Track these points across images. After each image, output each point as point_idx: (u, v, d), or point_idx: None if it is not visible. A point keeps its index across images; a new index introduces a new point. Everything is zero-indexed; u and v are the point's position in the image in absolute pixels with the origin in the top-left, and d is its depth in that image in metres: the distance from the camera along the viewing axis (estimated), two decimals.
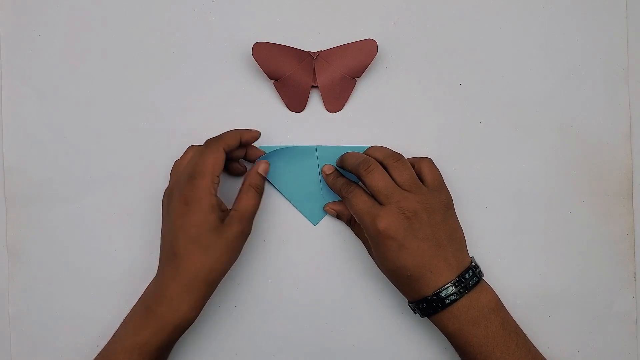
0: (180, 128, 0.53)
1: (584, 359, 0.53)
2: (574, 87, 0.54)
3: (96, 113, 0.53)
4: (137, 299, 0.47)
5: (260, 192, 0.49)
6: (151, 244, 0.50)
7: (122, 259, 0.52)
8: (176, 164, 0.50)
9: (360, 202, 0.47)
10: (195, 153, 0.48)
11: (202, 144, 0.48)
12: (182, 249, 0.45)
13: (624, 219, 0.54)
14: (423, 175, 0.49)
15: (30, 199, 0.53)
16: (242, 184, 0.49)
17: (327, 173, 0.52)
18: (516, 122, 0.54)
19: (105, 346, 0.47)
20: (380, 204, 0.47)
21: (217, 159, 0.46)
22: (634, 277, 0.54)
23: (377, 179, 0.47)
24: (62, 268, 0.53)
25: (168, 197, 0.47)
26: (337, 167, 0.52)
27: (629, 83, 0.54)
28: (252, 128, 0.50)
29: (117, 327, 0.47)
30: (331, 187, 0.52)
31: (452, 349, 0.48)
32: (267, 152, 0.52)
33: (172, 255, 0.45)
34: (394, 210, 0.46)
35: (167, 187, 0.48)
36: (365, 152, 0.51)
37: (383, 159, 0.49)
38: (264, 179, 0.50)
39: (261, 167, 0.49)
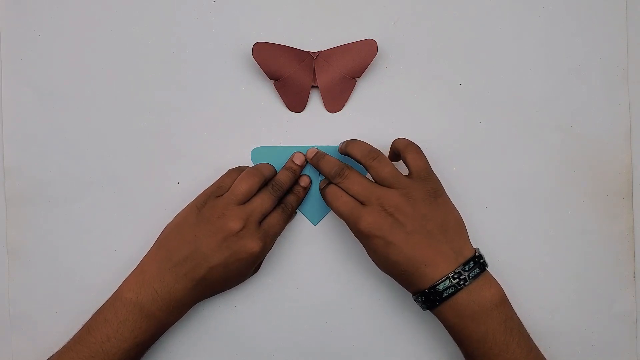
0: (180, 128, 0.53)
1: (584, 359, 0.53)
2: (574, 87, 0.54)
3: (96, 113, 0.53)
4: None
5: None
6: (151, 244, 0.50)
7: (122, 259, 0.52)
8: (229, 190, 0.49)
9: (342, 205, 0.47)
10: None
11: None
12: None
13: (624, 219, 0.54)
14: (408, 165, 0.48)
15: (30, 199, 0.53)
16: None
17: (321, 187, 0.51)
18: (516, 122, 0.54)
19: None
20: (363, 204, 0.46)
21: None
22: (634, 277, 0.54)
23: (354, 183, 0.47)
24: (62, 268, 0.53)
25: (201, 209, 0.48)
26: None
27: (629, 83, 0.54)
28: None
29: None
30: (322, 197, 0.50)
31: (452, 347, 0.48)
32: (266, 152, 0.52)
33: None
34: (375, 209, 0.45)
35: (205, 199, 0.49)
36: (343, 149, 0.50)
37: (360, 158, 0.48)
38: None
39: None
